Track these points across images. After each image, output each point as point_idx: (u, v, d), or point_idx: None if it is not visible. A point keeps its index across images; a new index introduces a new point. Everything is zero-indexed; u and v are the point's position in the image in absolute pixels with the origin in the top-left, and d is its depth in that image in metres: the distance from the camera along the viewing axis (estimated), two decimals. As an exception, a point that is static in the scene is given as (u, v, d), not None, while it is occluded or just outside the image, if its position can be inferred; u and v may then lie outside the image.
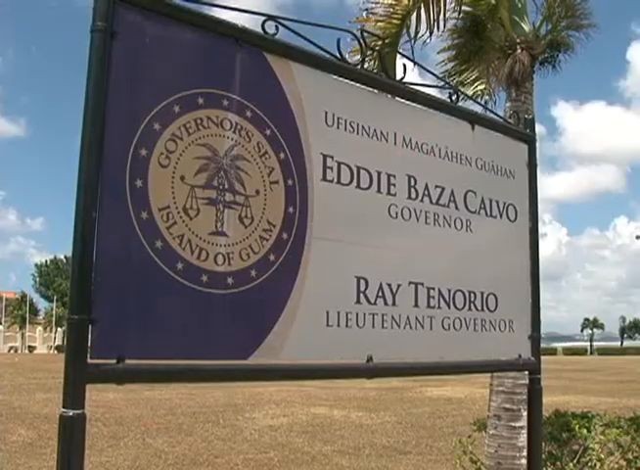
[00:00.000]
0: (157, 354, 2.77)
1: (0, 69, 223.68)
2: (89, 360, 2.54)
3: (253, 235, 3.06)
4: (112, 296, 2.62)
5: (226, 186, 2.99)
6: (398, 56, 7.82)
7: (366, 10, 9.33)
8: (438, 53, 10.27)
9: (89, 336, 2.54)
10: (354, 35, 3.90)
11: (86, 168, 2.60)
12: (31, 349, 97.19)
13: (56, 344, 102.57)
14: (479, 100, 10.05)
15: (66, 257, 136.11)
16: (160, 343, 2.77)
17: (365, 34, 4.02)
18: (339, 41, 3.67)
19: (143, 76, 2.86)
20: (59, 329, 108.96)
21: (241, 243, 3.01)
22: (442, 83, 5.06)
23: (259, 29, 3.27)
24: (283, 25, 3.35)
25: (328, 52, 3.60)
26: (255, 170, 3.12)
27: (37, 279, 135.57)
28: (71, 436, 2.55)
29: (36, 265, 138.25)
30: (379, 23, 9.27)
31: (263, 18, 3.32)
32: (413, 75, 4.03)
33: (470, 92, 10.23)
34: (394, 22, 9.27)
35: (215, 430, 15.46)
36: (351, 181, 3.54)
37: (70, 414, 2.51)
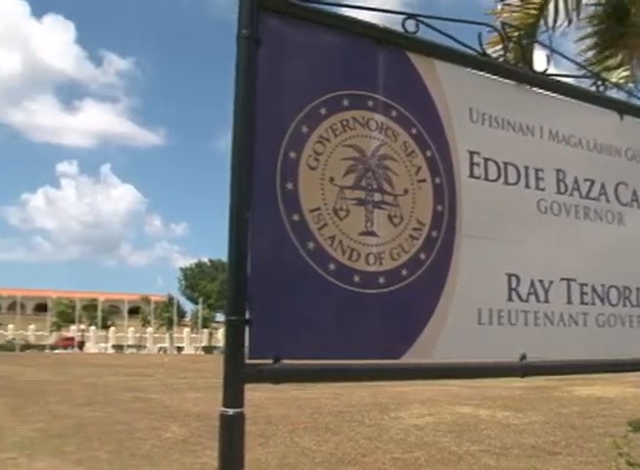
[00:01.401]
0: (310, 355, 2.81)
1: (140, 82, 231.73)
2: (247, 361, 2.60)
3: (403, 234, 3.05)
4: (266, 297, 2.67)
5: (374, 186, 3.00)
6: (535, 47, 7.64)
7: (501, 1, 9.15)
8: (576, 42, 9.97)
9: (246, 337, 2.60)
10: (494, 28, 3.84)
11: (238, 172, 2.67)
12: (180, 349, 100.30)
13: (202, 344, 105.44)
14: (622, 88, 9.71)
15: (210, 260, 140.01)
16: (313, 343, 2.80)
17: (503, 26, 3.94)
18: (480, 35, 3.61)
19: (289, 81, 2.91)
20: (204, 330, 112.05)
21: (391, 242, 3.01)
22: (585, 73, 4.90)
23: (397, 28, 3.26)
24: (423, 23, 3.33)
25: (470, 47, 3.56)
26: (403, 170, 3.12)
27: (183, 282, 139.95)
28: (231, 434, 2.61)
29: (181, 269, 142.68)
30: (514, 14, 9.08)
31: (397, 16, 3.31)
32: (550, 67, 3.91)
33: (612, 80, 9.89)
34: (531, 12, 9.06)
35: (361, 429, 15.52)
36: (499, 177, 3.48)
37: (230, 413, 2.57)
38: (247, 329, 2.59)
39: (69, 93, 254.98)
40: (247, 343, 2.61)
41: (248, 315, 2.60)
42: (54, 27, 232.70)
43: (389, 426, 16.11)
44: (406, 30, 3.27)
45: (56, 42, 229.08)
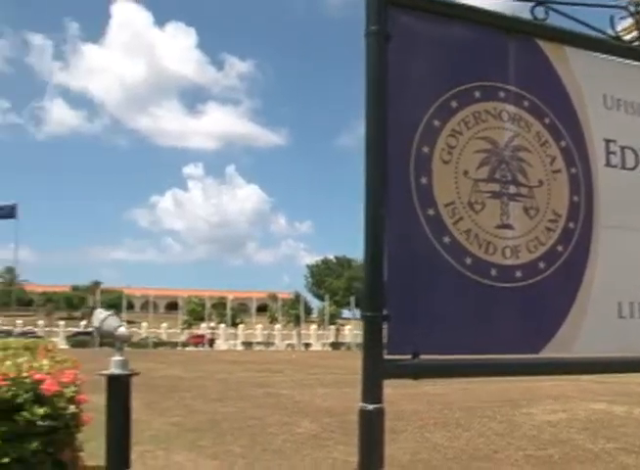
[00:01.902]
0: (448, 349, 2.79)
1: (260, 83, 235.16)
2: (385, 356, 2.60)
3: (539, 226, 3.00)
4: (403, 292, 2.67)
5: (509, 178, 2.96)
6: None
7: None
8: None
9: (383, 332, 2.60)
10: (626, 9, 3.71)
11: (372, 169, 2.67)
12: (307, 346, 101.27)
13: (329, 341, 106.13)
14: None
15: (335, 257, 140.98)
16: (450, 338, 2.78)
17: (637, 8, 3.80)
18: (612, 19, 3.51)
19: (419, 75, 2.90)
20: (331, 326, 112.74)
21: (527, 235, 2.96)
22: None
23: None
24: (552, 9, 3.25)
25: (601, 31, 3.45)
26: (537, 160, 3.06)
27: (309, 279, 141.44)
28: (371, 429, 2.62)
29: (308, 266, 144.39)
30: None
31: (524, 4, 3.25)
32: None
33: None
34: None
35: (492, 425, 15.29)
36: (636, 165, 3.37)
37: (370, 408, 2.59)
38: (384, 325, 2.60)
39: (193, 97, 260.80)
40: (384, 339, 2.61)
41: (385, 311, 2.60)
42: (176, 35, 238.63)
43: (521, 422, 15.81)
44: (535, 17, 3.21)
45: (178, 49, 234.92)
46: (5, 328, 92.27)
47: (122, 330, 4.88)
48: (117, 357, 4.73)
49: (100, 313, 4.98)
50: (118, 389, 4.70)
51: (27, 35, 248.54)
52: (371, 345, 2.61)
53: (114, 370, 4.72)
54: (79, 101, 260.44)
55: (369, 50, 2.79)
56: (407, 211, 2.71)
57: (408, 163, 2.74)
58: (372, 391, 2.60)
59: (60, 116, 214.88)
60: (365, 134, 2.71)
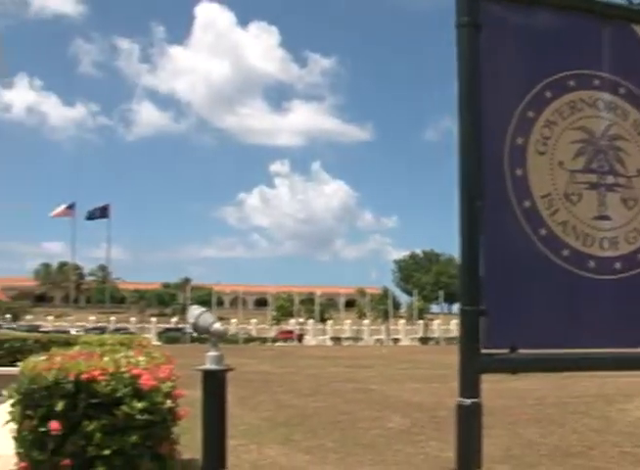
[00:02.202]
0: (545, 343, 2.75)
1: (343, 79, 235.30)
2: (482, 351, 2.58)
3: (638, 217, 2.92)
4: (500, 286, 2.64)
5: (606, 168, 2.89)
6: None
7: None
8: None
9: (481, 327, 2.58)
10: None
11: (467, 161, 2.65)
12: (396, 341, 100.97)
13: (418, 336, 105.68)
14: None
15: (423, 251, 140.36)
16: (548, 331, 2.74)
17: None
18: None
19: (511, 65, 2.85)
20: (420, 321, 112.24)
21: (626, 226, 2.89)
22: None
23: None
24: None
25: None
26: (635, 149, 2.98)
27: (397, 274, 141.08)
28: (469, 424, 2.60)
29: (395, 261, 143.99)
30: None
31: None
32: None
33: None
34: None
35: (586, 421, 14.99)
36: None
37: (467, 403, 2.57)
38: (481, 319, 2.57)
39: (277, 95, 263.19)
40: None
41: (482, 305, 2.58)
42: (259, 34, 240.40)
43: (617, 418, 15.45)
44: (631, 2, 3.13)
45: (262, 47, 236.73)
46: (99, 325, 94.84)
47: (217, 326, 4.94)
48: (213, 353, 4.79)
49: (195, 309, 5.06)
50: (214, 384, 4.77)
51: (116, 40, 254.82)
52: (468, 339, 2.59)
53: (210, 366, 4.78)
54: (166, 102, 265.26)
55: (460, 41, 2.76)
56: (503, 204, 2.68)
57: (503, 155, 2.71)
58: (469, 385, 2.58)
59: (148, 117, 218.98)
60: (459, 126, 2.68)
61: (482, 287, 2.58)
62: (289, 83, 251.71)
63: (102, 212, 76.10)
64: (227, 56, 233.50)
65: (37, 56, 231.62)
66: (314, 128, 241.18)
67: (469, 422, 2.59)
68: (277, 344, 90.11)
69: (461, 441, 2.61)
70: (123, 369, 4.28)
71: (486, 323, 2.57)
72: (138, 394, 4.19)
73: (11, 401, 4.36)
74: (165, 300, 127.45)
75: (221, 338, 5.00)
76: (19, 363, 4.56)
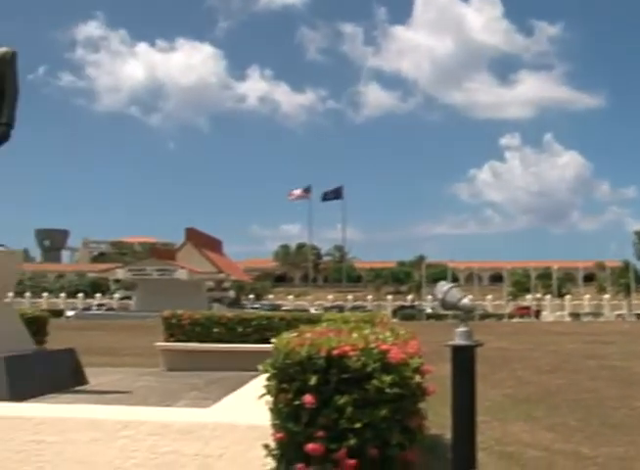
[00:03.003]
0: None
1: (572, 45, 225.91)
2: None
3: None
4: None
5: None
6: None
7: None
8: None
9: None
10: None
11: None
12: (639, 316, 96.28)
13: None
14: None
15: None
16: None
17: None
18: None
19: None
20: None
21: None
22: None
23: None
24: None
25: None
26: None
27: (638, 246, 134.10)
28: None
29: (636, 233, 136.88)
30: None
31: None
32: None
33: None
34: None
35: None
36: None
37: None
38: None
39: (503, 67, 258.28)
40: None
41: None
42: (481, 7, 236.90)
43: None
44: None
45: (484, 20, 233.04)
46: (337, 303, 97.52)
47: (466, 301, 4.92)
48: (462, 328, 4.77)
49: (443, 285, 5.06)
50: (463, 359, 4.76)
51: (339, 26, 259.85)
52: None
53: (460, 341, 4.77)
54: (392, 82, 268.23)
55: None
56: None
57: None
58: None
59: (375, 98, 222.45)
60: None
61: None
62: (514, 54, 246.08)
63: (336, 194, 77.88)
64: (450, 31, 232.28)
65: (267, 47, 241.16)
66: (544, 98, 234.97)
67: None
68: (513, 320, 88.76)
69: None
70: (372, 345, 4.36)
71: None
72: (387, 368, 4.25)
73: (266, 376, 4.55)
74: (400, 278, 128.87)
75: (470, 313, 4.98)
76: (272, 340, 4.75)
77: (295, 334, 4.83)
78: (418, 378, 4.37)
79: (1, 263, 11.25)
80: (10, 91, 11.39)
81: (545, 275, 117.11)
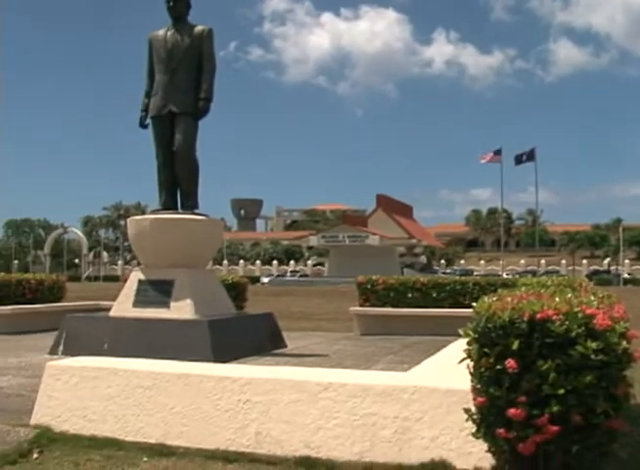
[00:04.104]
0: None
1: None
2: None
3: None
4: None
5: None
6: None
7: None
8: None
9: None
10: None
11: None
12: None
13: None
14: None
15: None
16: None
17: None
18: None
19: None
20: None
21: None
22: None
23: None
24: None
25: None
26: None
27: None
28: None
29: None
30: None
31: None
32: None
33: None
34: None
35: None
36: None
37: None
38: None
39: None
40: None
41: None
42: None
43: None
44: None
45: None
46: (529, 268, 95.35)
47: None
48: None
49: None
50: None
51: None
52: None
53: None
54: (583, 38, 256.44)
55: None
56: None
57: None
58: None
59: (566, 55, 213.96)
60: None
61: None
62: None
63: (528, 156, 75.60)
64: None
65: (451, 9, 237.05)
66: None
67: None
68: None
69: None
70: (576, 309, 4.25)
71: None
72: (592, 333, 4.13)
73: (465, 340, 4.54)
74: (596, 241, 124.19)
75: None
76: (468, 305, 4.72)
77: (495, 298, 4.78)
78: (624, 344, 4.22)
79: (206, 232, 11.83)
80: (208, 67, 11.88)
81: None
